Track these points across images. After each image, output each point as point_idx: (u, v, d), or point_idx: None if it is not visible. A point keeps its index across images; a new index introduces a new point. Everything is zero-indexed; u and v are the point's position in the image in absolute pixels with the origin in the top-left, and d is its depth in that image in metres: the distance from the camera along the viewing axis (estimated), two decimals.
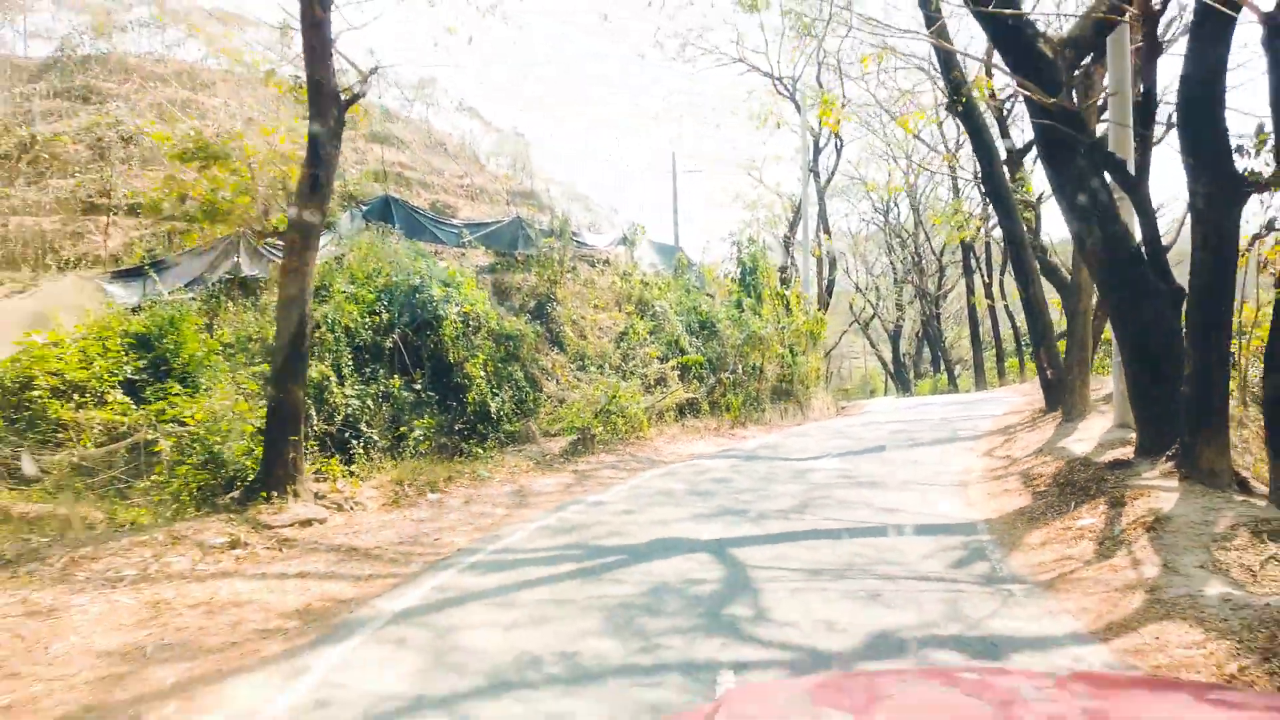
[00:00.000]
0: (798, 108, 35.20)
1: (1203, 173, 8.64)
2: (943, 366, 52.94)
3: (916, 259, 50.71)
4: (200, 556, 8.12)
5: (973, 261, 42.08)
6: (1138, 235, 10.78)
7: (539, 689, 4.74)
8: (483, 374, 16.67)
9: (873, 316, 56.97)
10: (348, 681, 4.95)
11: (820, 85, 35.45)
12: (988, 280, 40.54)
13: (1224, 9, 7.28)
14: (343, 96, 10.40)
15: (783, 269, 35.23)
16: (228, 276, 16.60)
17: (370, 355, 15.44)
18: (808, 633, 5.59)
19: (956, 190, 38.61)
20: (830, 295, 41.26)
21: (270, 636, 5.90)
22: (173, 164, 10.50)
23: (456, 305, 17.21)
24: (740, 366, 23.61)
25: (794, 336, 26.76)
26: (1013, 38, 10.90)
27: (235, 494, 10.03)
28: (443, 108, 39.37)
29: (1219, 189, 8.36)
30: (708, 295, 27.52)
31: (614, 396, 17.25)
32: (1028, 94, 10.87)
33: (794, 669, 4.98)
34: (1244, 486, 8.66)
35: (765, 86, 36.54)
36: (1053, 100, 10.28)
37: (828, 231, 40.97)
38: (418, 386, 15.67)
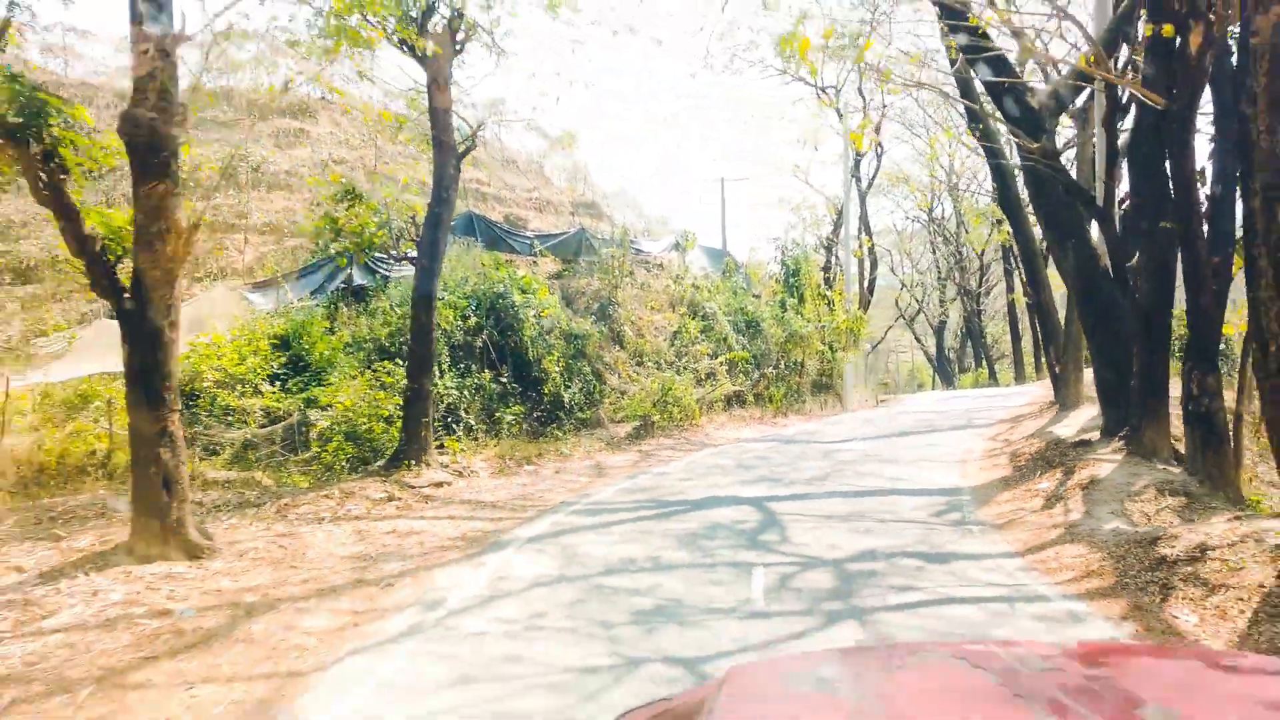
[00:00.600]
0: (839, 115, 37.34)
1: (1146, 215, 10.94)
2: (984, 361, 54.48)
3: (959, 257, 52.35)
4: (370, 506, 10.95)
5: (1012, 261, 43.74)
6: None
7: (637, 574, 7.38)
8: (557, 369, 19.40)
9: (918, 312, 58.67)
10: (512, 571, 7.64)
11: (862, 95, 37.55)
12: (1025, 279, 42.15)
13: (1149, 98, 9.53)
14: (459, 149, 13.16)
15: (825, 268, 37.45)
16: (342, 286, 19.61)
17: (464, 353, 18.26)
18: (816, 550, 8.15)
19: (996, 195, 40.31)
20: (872, 294, 43.24)
21: (448, 549, 8.65)
22: (328, 203, 13.32)
23: (533, 309, 19.96)
24: (783, 362, 26.06)
25: (834, 334, 29.04)
26: (1005, 93, 13.24)
27: (381, 463, 12.87)
28: (513, 126, 42.31)
29: (1164, 232, 10.62)
30: (754, 295, 29.95)
31: (668, 389, 19.88)
32: (1016, 139, 13.20)
33: (804, 566, 7.55)
34: (1179, 460, 10.93)
35: (811, 93, 38.73)
36: (1036, 145, 12.58)
37: (869, 233, 42.99)
38: (504, 380, 18.45)
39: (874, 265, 45.56)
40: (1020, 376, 43.31)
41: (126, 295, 7.99)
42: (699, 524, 9.39)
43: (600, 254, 24.90)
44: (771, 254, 33.48)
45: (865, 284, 41.59)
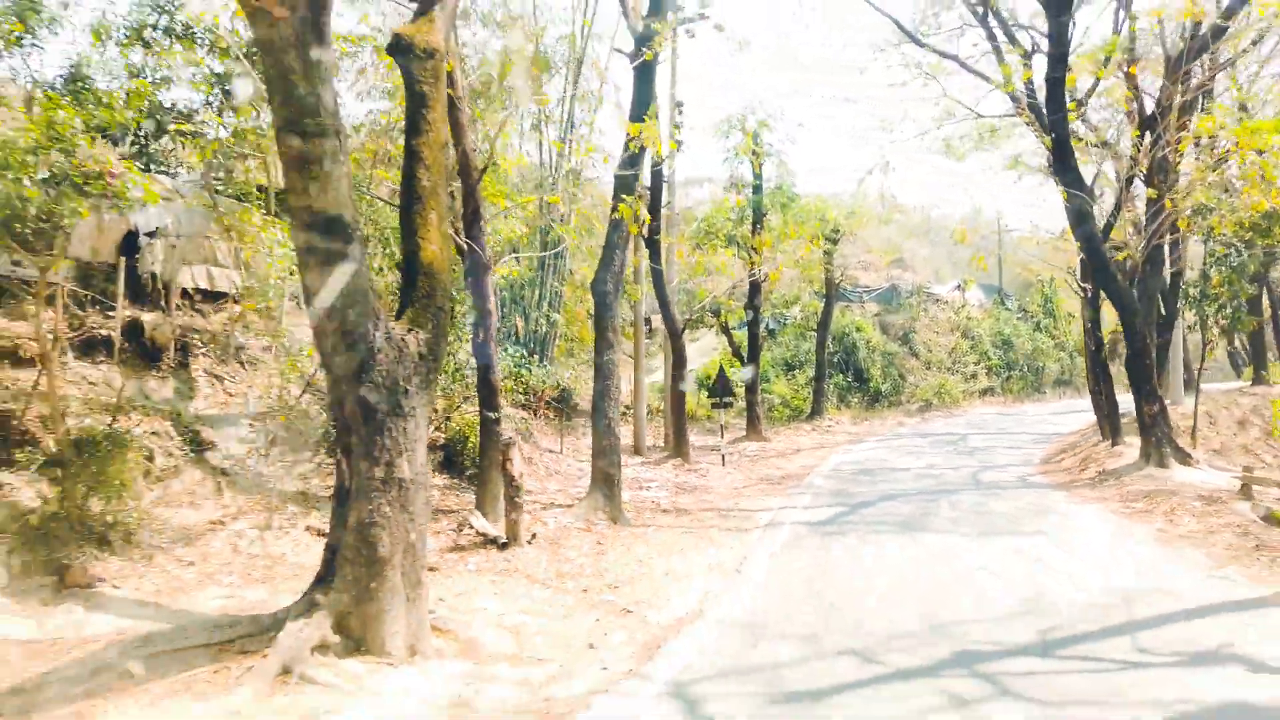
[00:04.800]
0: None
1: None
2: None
3: None
4: (811, 430, 28.27)
5: None
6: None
7: (906, 456, 23.74)
8: (878, 373, 35.72)
9: None
10: (863, 452, 24.36)
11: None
12: None
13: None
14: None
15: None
16: (769, 328, 37.41)
17: (833, 367, 35.24)
18: (978, 443, 23.90)
19: None
20: None
21: (841, 443, 25.58)
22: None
23: (864, 338, 36.43)
24: (1026, 366, 40.05)
25: (1078, 345, 42.01)
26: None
27: (804, 418, 30.26)
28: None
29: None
30: (1019, 315, 43.68)
31: (942, 385, 35.40)
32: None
33: (969, 452, 23.46)
34: (1184, 459, 24.74)
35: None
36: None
37: None
38: (849, 380, 35.16)
39: None
40: None
41: None
42: (935, 438, 25.41)
43: (904, 299, 40.66)
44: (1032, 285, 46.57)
45: None
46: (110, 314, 11.33)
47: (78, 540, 8.41)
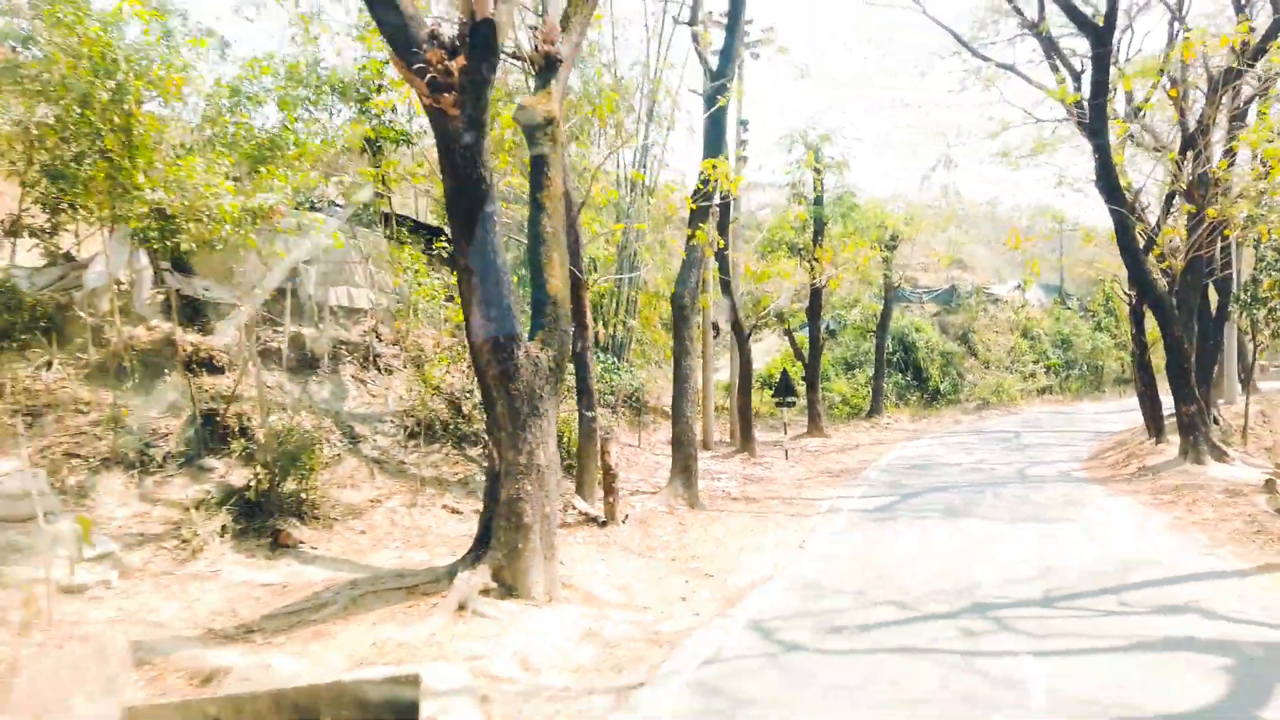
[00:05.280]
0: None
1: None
2: None
3: None
4: (868, 429, 29.87)
5: None
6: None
7: (959, 450, 25.20)
8: (936, 372, 37.00)
9: None
10: (919, 448, 25.89)
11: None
12: None
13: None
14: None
15: None
16: (829, 329, 38.95)
17: (892, 366, 36.63)
18: (1030, 440, 25.25)
19: None
20: None
21: (900, 440, 27.13)
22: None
23: (923, 337, 37.71)
24: (1086, 365, 40.79)
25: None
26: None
27: (863, 416, 31.81)
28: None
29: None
30: (1081, 313, 44.32)
31: (1000, 384, 36.51)
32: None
33: (1021, 448, 24.83)
34: (1220, 456, 25.70)
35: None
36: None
37: None
38: (907, 379, 36.52)
39: None
40: None
41: None
42: (989, 435, 26.78)
43: (963, 300, 41.75)
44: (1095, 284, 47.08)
45: None
46: (279, 329, 13.74)
47: (280, 512, 10.75)
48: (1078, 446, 23.88)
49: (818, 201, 27.53)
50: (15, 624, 7.39)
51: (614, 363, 22.11)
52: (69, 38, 9.26)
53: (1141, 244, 20.00)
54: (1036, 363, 39.93)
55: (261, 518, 10.68)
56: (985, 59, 23.73)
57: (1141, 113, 22.15)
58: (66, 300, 12.55)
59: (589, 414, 14.07)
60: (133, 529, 10.07)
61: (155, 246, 11.98)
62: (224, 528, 10.25)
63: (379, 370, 14.92)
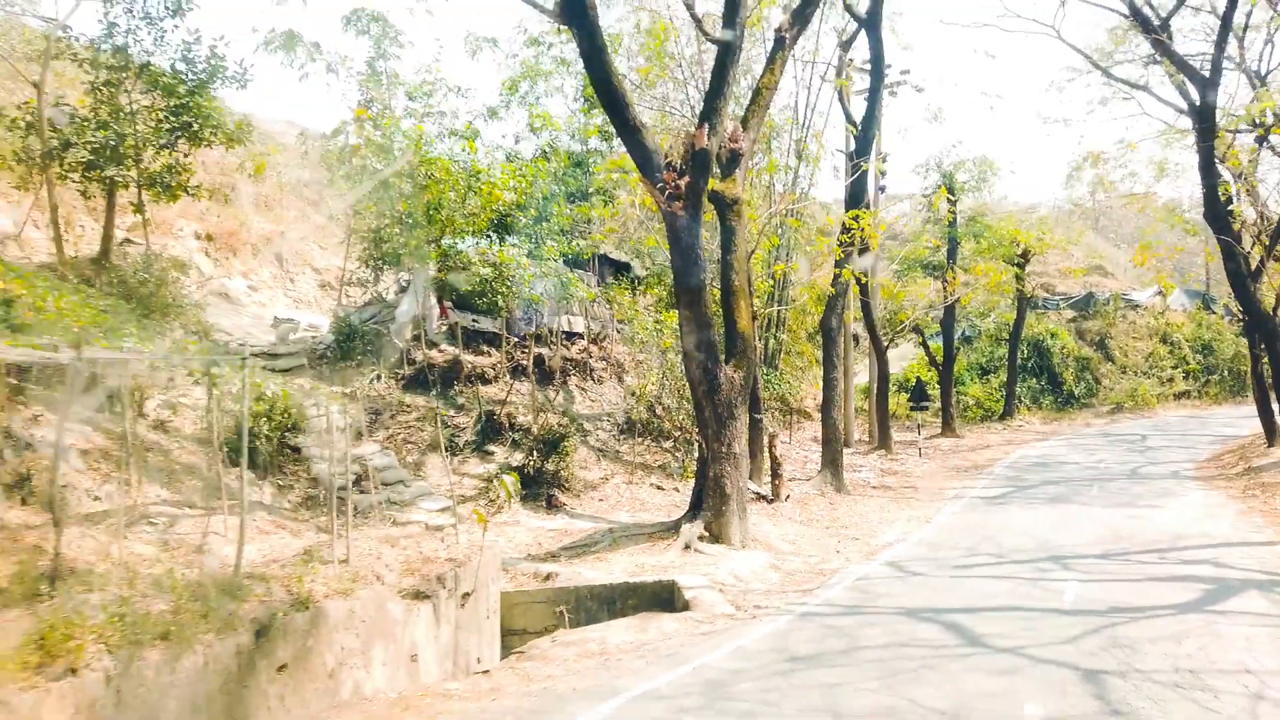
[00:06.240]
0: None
1: None
2: None
3: None
4: (1001, 430, 32.45)
5: None
6: None
7: (1081, 451, 27.57)
8: (1071, 377, 38.78)
9: None
10: (1029, 452, 28.34)
11: None
12: None
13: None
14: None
15: None
16: (964, 337, 41.39)
17: (1026, 371, 38.70)
18: (1156, 443, 27.36)
19: None
20: None
21: (1030, 440, 29.66)
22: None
23: (1059, 344, 39.54)
24: (1227, 370, 41.37)
25: None
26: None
27: (996, 418, 34.31)
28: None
29: None
30: (1226, 316, 44.62)
31: (1135, 389, 37.98)
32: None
33: (1145, 450, 27.02)
34: None
35: None
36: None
37: None
38: (1041, 383, 38.50)
39: None
40: None
41: None
42: (1116, 438, 28.92)
43: (1101, 306, 43.08)
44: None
45: None
46: (524, 349, 18.44)
47: (547, 484, 15.30)
48: (1199, 450, 25.89)
49: (951, 224, 30.42)
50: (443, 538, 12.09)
51: (770, 373, 25.98)
52: (429, 169, 14.09)
53: (1253, 266, 22.12)
54: (1175, 368, 40.83)
55: (534, 487, 15.27)
56: (1117, 79, 26.12)
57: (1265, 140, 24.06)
58: (384, 331, 17.65)
59: (757, 415, 18.05)
60: (454, 493, 14.84)
61: (442, 291, 16.91)
62: (514, 493, 14.88)
63: (594, 380, 19.43)
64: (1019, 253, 32.62)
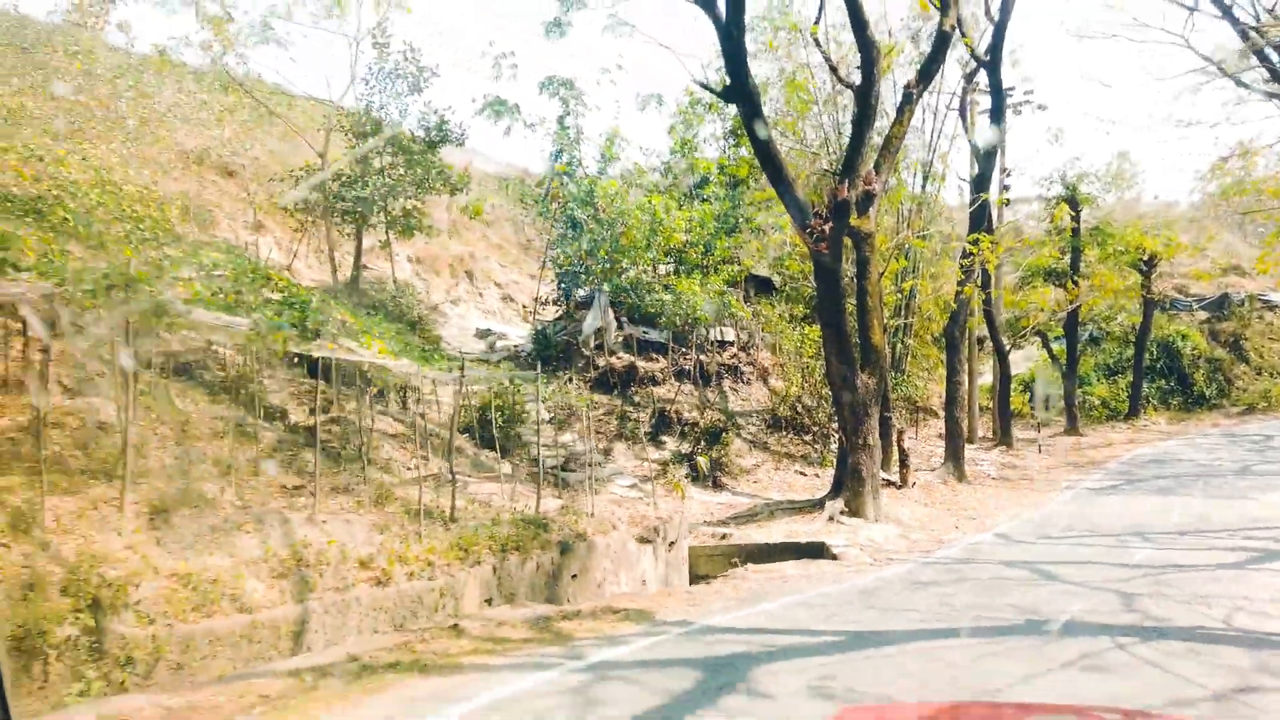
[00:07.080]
0: None
1: None
2: None
3: None
4: (1120, 429, 33.86)
5: None
6: None
7: (1202, 450, 28.84)
8: (1201, 378, 39.36)
9: None
10: (1148, 450, 29.73)
11: None
12: None
13: None
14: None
15: None
16: (1089, 338, 42.47)
17: (1155, 372, 39.51)
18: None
19: None
20: None
21: (1154, 440, 31.07)
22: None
23: (1189, 345, 40.13)
24: None
25: None
26: None
27: (1120, 418, 35.60)
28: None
29: None
30: None
31: (1268, 391, 38.28)
32: None
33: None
34: None
35: None
36: None
37: None
38: (1170, 384, 39.26)
39: None
40: None
41: None
42: (1239, 438, 29.97)
43: (1235, 307, 43.17)
44: None
45: None
46: (686, 356, 22.01)
47: (712, 468, 18.80)
48: None
49: (1074, 233, 32.14)
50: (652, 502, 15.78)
51: (898, 376, 28.72)
52: (623, 218, 17.84)
53: None
54: None
55: (700, 472, 18.81)
56: (1247, 86, 27.40)
57: None
58: (573, 341, 21.56)
59: (887, 414, 20.97)
60: (642, 472, 18.54)
61: (619, 308, 20.62)
62: (685, 474, 18.47)
63: (743, 382, 22.83)
64: (1144, 259, 33.90)
